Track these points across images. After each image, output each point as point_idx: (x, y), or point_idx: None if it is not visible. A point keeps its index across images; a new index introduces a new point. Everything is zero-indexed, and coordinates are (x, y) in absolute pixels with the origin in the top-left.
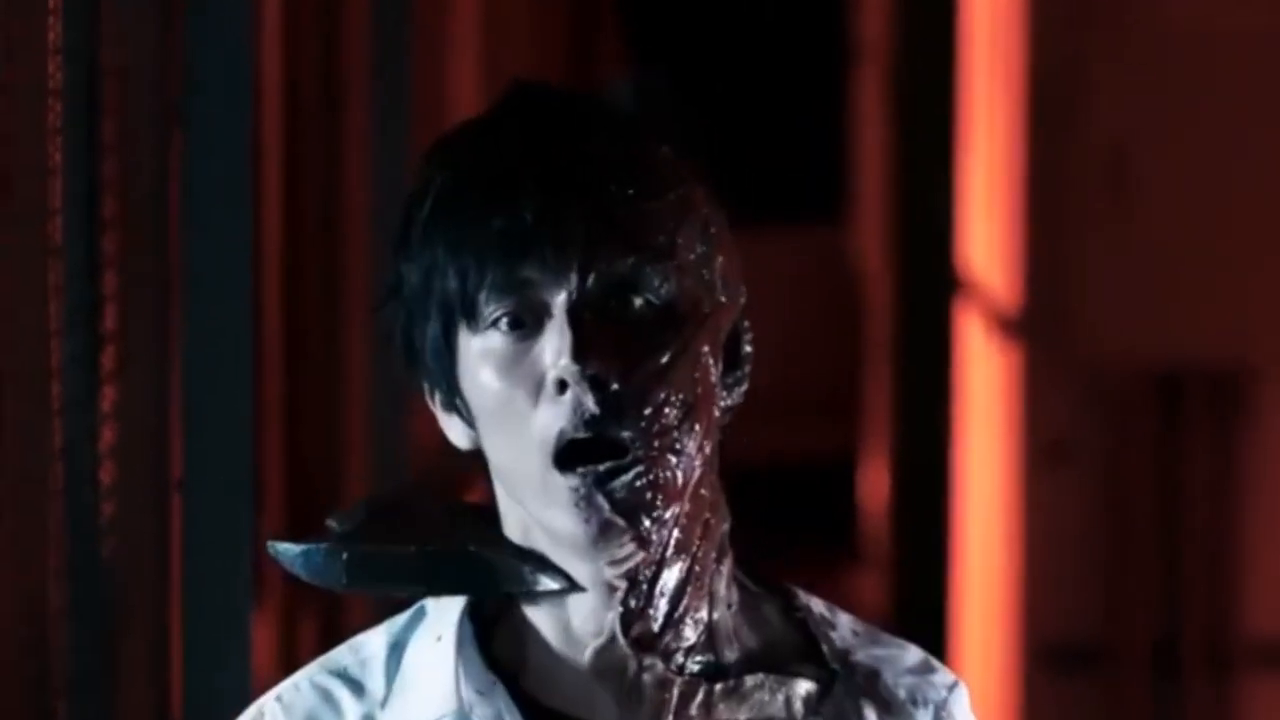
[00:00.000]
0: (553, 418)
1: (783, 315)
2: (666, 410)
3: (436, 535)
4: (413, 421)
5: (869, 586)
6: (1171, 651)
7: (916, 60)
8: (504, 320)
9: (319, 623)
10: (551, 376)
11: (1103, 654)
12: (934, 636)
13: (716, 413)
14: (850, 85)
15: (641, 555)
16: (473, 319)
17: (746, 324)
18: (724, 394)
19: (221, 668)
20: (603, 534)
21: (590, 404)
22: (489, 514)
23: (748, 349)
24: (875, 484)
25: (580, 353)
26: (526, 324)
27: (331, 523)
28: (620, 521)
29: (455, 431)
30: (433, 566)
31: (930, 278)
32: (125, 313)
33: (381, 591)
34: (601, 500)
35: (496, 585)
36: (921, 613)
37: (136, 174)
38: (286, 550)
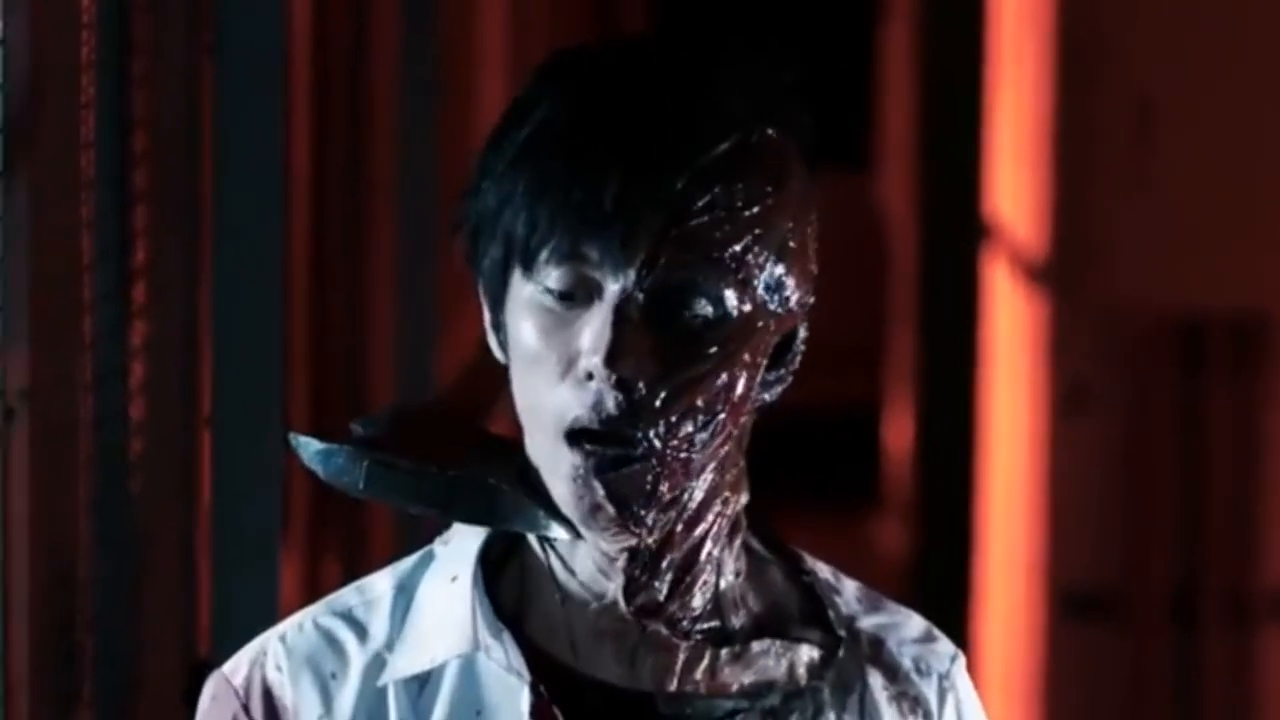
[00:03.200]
0: (572, 400)
1: None
2: (687, 423)
3: (458, 460)
4: (439, 358)
5: (893, 533)
6: (1191, 600)
7: (945, 7)
8: (555, 287)
9: (344, 558)
10: (582, 364)
11: (1123, 602)
12: (957, 583)
13: (745, 418)
14: (879, 32)
15: (633, 540)
16: (529, 269)
17: (805, 325)
18: (762, 393)
19: (248, 604)
20: (592, 515)
21: (610, 404)
22: (512, 447)
23: (800, 346)
24: (899, 431)
25: (613, 357)
26: (577, 297)
27: (356, 426)
28: (609, 508)
29: (494, 345)
30: (450, 490)
31: (956, 225)
32: (156, 248)
33: (394, 504)
34: (596, 484)
35: (509, 521)
36: (945, 559)
37: (167, 109)
38: (308, 445)
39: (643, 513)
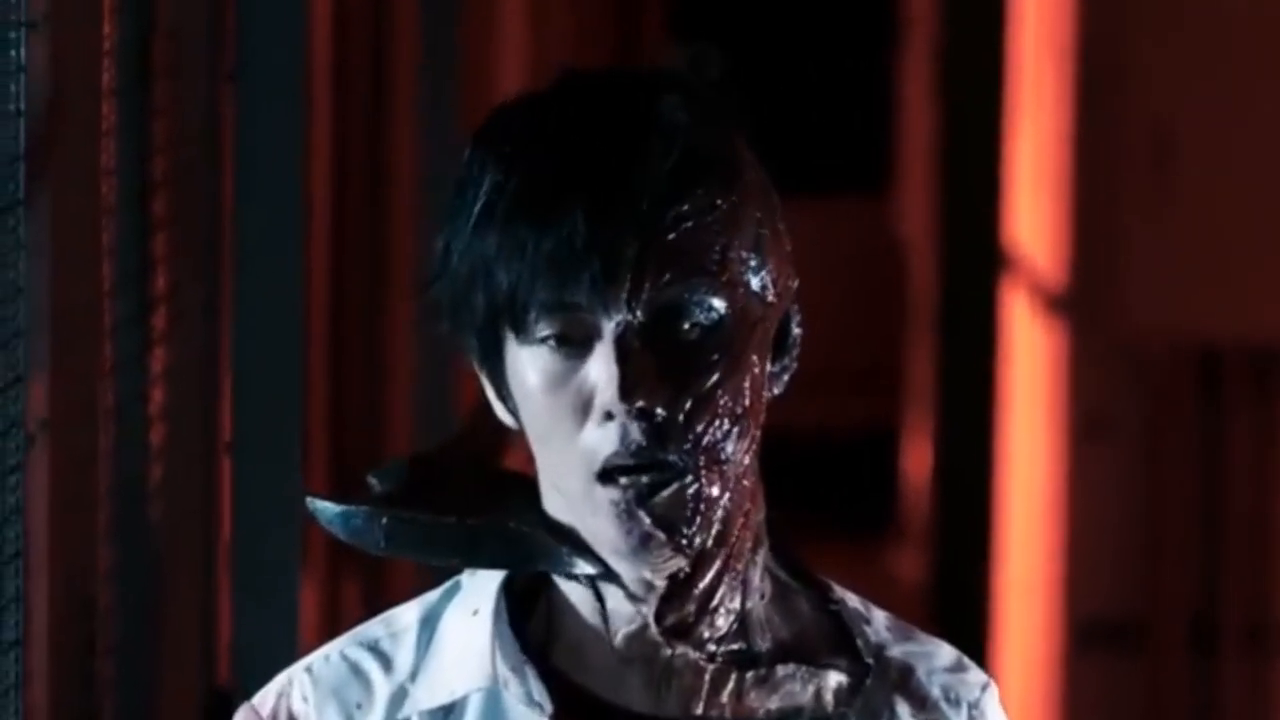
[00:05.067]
0: (599, 441)
1: (827, 289)
2: (713, 430)
3: (476, 506)
4: (458, 384)
5: (911, 561)
6: (1210, 628)
7: (964, 33)
8: (552, 339)
9: (364, 585)
10: (598, 404)
11: (1142, 630)
12: (974, 611)
13: (763, 414)
14: (897, 57)
15: (683, 561)
16: (521, 331)
17: (796, 307)
18: (771, 387)
19: (268, 630)
20: (643, 545)
21: (637, 434)
22: (530, 484)
23: (796, 331)
24: (918, 458)
25: (627, 392)
26: (574, 342)
27: (372, 480)
28: (660, 535)
29: (500, 411)
30: (471, 539)
31: (975, 252)
32: (176, 275)
33: (418, 558)
34: (642, 514)
35: (533, 563)
36: (962, 588)
37: (188, 135)
38: (326, 509)
39: (691, 531)
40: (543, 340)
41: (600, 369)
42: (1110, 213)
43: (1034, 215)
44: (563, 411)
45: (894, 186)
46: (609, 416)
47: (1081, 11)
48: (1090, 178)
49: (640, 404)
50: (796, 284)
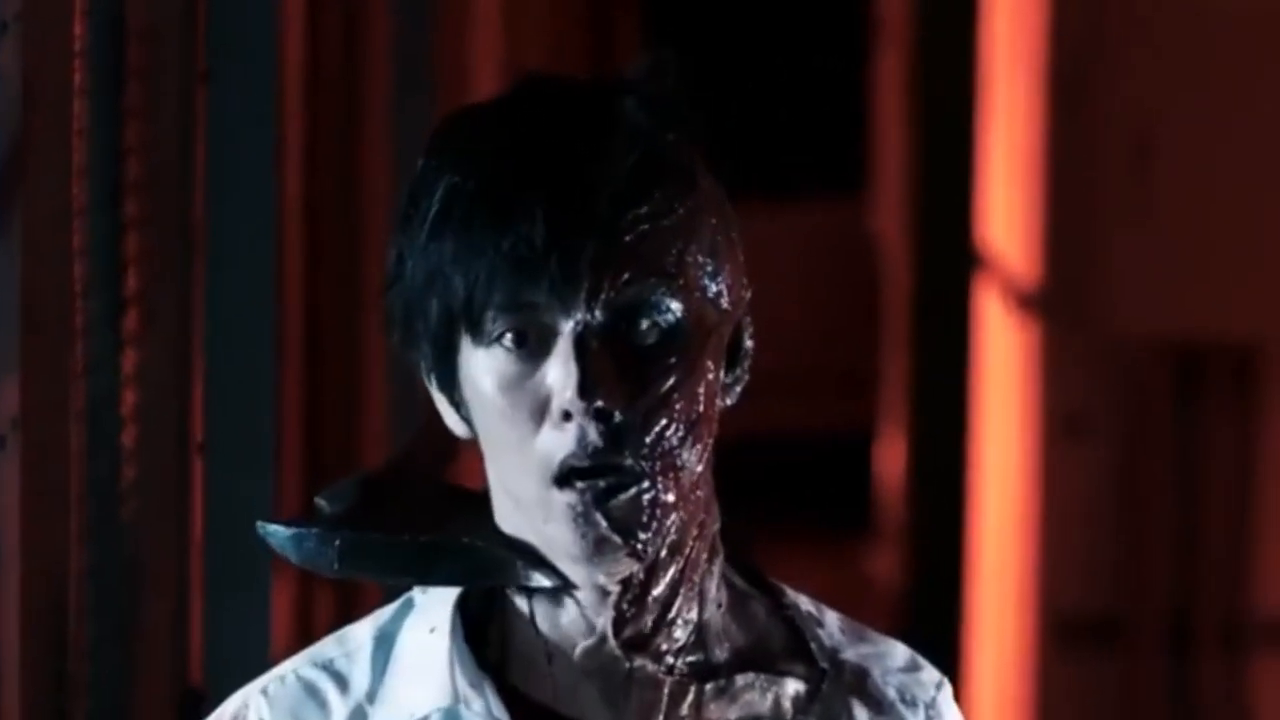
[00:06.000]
0: (556, 444)
1: (801, 289)
2: (669, 434)
3: (428, 523)
4: None
5: (885, 560)
6: (1187, 627)
7: (937, 34)
8: (508, 337)
9: (336, 586)
10: (556, 405)
11: (1118, 629)
12: (949, 610)
13: (715, 423)
14: (871, 58)
15: (637, 565)
16: (478, 334)
17: (748, 319)
18: (724, 398)
19: (240, 632)
20: (598, 549)
21: (594, 436)
22: (481, 499)
23: (748, 343)
24: (892, 458)
25: (586, 390)
26: (530, 342)
27: (321, 502)
28: (616, 539)
29: (452, 420)
30: (426, 557)
31: (949, 252)
32: (148, 276)
33: (372, 579)
34: (599, 517)
35: (489, 577)
36: (937, 587)
37: (160, 136)
38: (277, 532)
39: (646, 536)
40: (499, 339)
41: (558, 370)
42: (1087, 211)
43: (1009, 215)
44: (519, 414)
45: (868, 187)
46: (567, 417)
47: (1056, 10)
48: (1066, 176)
49: (599, 404)
50: (749, 294)
